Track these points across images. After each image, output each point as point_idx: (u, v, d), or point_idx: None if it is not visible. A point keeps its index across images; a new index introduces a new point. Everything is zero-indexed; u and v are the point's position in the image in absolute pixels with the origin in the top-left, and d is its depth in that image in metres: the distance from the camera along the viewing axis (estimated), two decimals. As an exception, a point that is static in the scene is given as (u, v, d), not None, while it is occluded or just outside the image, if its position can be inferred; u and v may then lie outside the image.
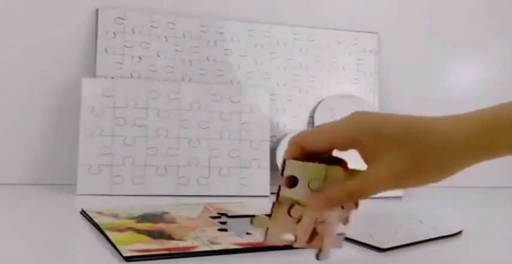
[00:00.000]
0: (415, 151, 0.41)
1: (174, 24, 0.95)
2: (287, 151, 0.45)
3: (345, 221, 0.46)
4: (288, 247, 0.54)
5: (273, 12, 1.02)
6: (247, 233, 0.57)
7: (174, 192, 0.86)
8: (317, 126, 0.46)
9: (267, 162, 0.91)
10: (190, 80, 0.94)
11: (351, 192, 0.43)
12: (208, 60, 0.96)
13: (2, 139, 0.89)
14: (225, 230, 0.58)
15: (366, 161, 0.44)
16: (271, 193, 0.91)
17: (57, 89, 0.91)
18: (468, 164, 0.43)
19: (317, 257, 0.45)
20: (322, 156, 0.46)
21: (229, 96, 0.92)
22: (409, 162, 0.41)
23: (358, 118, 0.44)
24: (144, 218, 0.62)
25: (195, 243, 0.52)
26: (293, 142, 0.45)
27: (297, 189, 0.43)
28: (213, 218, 0.64)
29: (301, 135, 0.45)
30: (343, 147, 0.45)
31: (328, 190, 0.43)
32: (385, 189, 0.42)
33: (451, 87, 1.14)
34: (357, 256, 0.53)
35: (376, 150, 0.42)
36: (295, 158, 0.44)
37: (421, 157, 0.41)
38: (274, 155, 0.93)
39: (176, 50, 0.94)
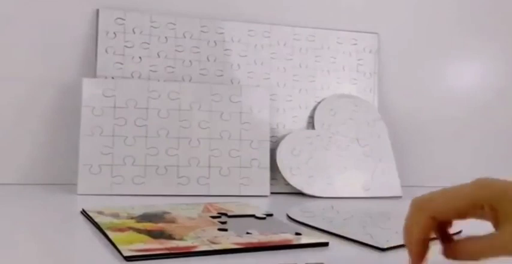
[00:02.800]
0: None
1: (174, 24, 0.95)
2: (419, 224, 0.43)
3: None
4: (288, 246, 0.54)
5: (273, 12, 1.02)
6: (247, 233, 0.57)
7: (174, 192, 0.86)
8: (439, 192, 0.43)
9: (267, 162, 0.91)
10: (190, 80, 0.94)
11: (482, 250, 0.42)
12: (208, 60, 0.96)
13: (2, 139, 0.89)
14: (225, 229, 0.58)
15: (495, 226, 0.42)
16: (271, 193, 0.91)
17: (58, 89, 0.91)
18: None
19: None
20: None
21: (229, 96, 0.92)
22: None
23: (484, 183, 0.42)
24: (144, 217, 0.62)
25: (195, 243, 0.52)
26: (424, 211, 0.43)
27: None
28: (213, 217, 0.64)
29: (432, 203, 0.43)
30: (470, 215, 0.43)
31: (461, 244, 0.43)
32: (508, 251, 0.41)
33: (451, 88, 1.14)
34: (357, 256, 0.53)
35: (507, 213, 0.41)
36: (427, 235, 0.43)
37: None
38: (274, 155, 0.93)
39: (176, 50, 0.95)
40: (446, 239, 0.45)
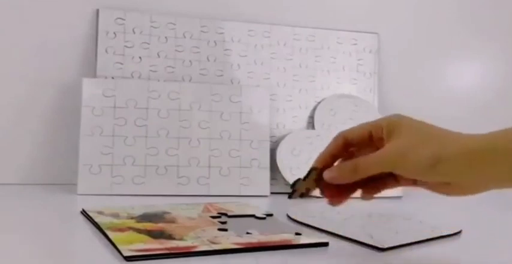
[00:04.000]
0: (417, 138, 0.48)
1: (174, 24, 0.95)
2: (332, 142, 0.53)
3: None
4: (288, 246, 0.54)
5: (273, 12, 1.02)
6: (247, 233, 0.57)
7: (174, 192, 0.86)
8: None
9: (267, 162, 0.91)
10: (190, 80, 0.94)
11: (355, 165, 0.50)
12: (208, 60, 0.96)
13: (2, 139, 0.89)
14: (225, 229, 0.58)
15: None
16: (271, 193, 0.91)
17: (58, 89, 0.91)
18: (461, 177, 0.46)
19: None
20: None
21: (229, 96, 0.92)
22: (408, 145, 0.47)
23: (390, 115, 0.52)
24: (144, 217, 0.62)
25: (195, 243, 0.52)
26: (338, 135, 0.53)
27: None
28: (213, 217, 0.64)
29: (344, 130, 0.54)
30: (378, 136, 0.51)
31: (338, 165, 0.52)
32: (382, 164, 0.49)
33: (451, 88, 1.14)
34: (357, 256, 0.53)
35: (391, 136, 0.49)
36: (337, 147, 0.53)
37: (420, 143, 0.47)
38: (274, 155, 0.93)
39: (176, 50, 0.95)
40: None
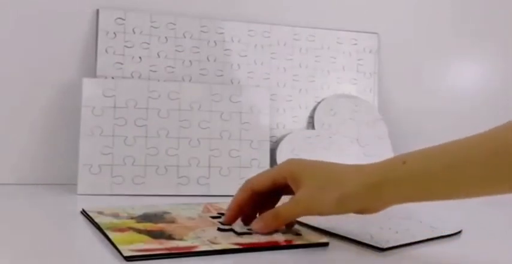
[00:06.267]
0: (322, 182, 0.53)
1: (174, 24, 0.95)
2: (239, 194, 0.59)
3: None
4: (288, 246, 0.54)
5: (273, 12, 1.02)
6: (248, 229, 0.57)
7: (174, 192, 0.86)
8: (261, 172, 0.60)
9: (267, 162, 0.91)
10: (190, 80, 0.94)
11: (276, 215, 0.56)
12: (208, 60, 0.96)
13: (2, 139, 0.89)
14: (225, 230, 0.58)
15: (294, 193, 0.56)
16: (271, 193, 0.91)
17: (57, 89, 0.91)
18: (367, 207, 0.53)
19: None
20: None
21: (229, 96, 0.92)
22: (316, 191, 0.53)
23: (289, 160, 0.58)
24: (144, 217, 0.62)
25: (196, 243, 0.52)
26: (244, 187, 0.59)
27: None
28: (213, 218, 0.64)
29: (250, 181, 0.59)
30: (282, 183, 0.56)
31: (262, 214, 0.57)
32: (300, 211, 0.55)
33: (451, 88, 1.14)
34: (357, 256, 0.53)
35: (299, 182, 0.54)
36: (244, 199, 0.58)
37: (325, 188, 0.53)
38: (274, 155, 0.93)
39: (176, 50, 0.95)
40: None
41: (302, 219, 0.67)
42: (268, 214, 0.56)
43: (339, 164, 0.56)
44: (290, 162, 0.57)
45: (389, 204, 0.53)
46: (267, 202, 0.59)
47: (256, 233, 0.56)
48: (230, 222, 0.59)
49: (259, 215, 0.58)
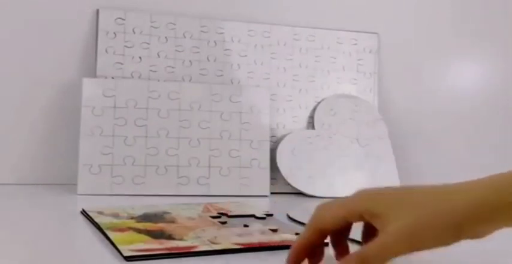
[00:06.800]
0: (421, 213, 0.43)
1: (174, 24, 0.95)
2: (306, 236, 0.47)
3: None
4: (288, 246, 0.54)
5: (273, 12, 1.02)
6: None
7: (174, 192, 0.86)
8: (324, 205, 0.48)
9: (267, 162, 0.91)
10: (190, 80, 0.94)
11: (365, 258, 0.43)
12: (208, 60, 0.96)
13: (2, 139, 0.89)
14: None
15: (380, 230, 0.45)
16: (271, 193, 0.91)
17: (58, 89, 0.91)
18: (485, 230, 0.44)
19: None
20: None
21: (229, 96, 0.92)
22: (417, 223, 0.42)
23: (364, 192, 0.47)
24: (144, 217, 0.62)
25: (196, 243, 0.52)
26: (312, 228, 0.47)
27: None
28: (213, 217, 0.64)
29: (316, 220, 0.47)
30: (356, 222, 0.47)
31: (345, 260, 0.45)
32: (398, 251, 0.43)
33: (451, 87, 1.14)
34: (357, 256, 0.53)
35: (386, 217, 0.44)
36: (311, 242, 0.47)
37: (428, 218, 0.42)
38: (274, 155, 0.93)
39: (176, 50, 0.95)
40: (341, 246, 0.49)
41: (302, 219, 0.67)
42: (352, 259, 0.45)
43: (430, 185, 0.45)
44: (361, 195, 0.47)
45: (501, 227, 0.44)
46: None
47: None
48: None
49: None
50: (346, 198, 0.47)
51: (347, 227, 0.48)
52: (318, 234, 0.47)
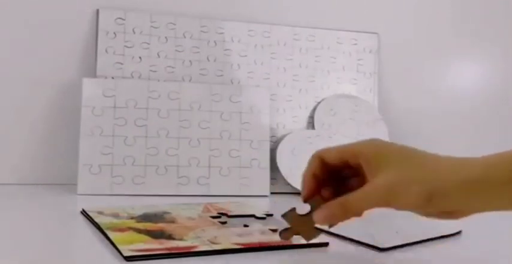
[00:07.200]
0: (407, 170, 0.45)
1: (174, 24, 0.95)
2: (310, 163, 0.50)
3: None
4: (288, 246, 0.54)
5: (273, 12, 1.02)
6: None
7: (174, 192, 0.86)
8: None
9: (267, 162, 0.91)
10: (190, 80, 0.94)
11: (344, 205, 0.47)
12: (208, 60, 0.96)
13: (2, 139, 0.89)
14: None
15: (366, 178, 0.47)
16: (271, 193, 0.91)
17: (57, 89, 0.91)
18: (459, 206, 0.45)
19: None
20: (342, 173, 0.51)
21: (229, 96, 0.92)
22: (399, 179, 0.44)
23: (369, 140, 0.49)
24: (144, 217, 0.62)
25: (195, 243, 0.52)
26: (314, 155, 0.50)
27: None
28: (213, 217, 0.64)
29: (321, 149, 0.50)
30: (353, 162, 0.48)
31: (327, 204, 0.48)
32: (375, 202, 0.46)
33: (451, 87, 1.14)
34: (357, 256, 0.53)
35: (375, 167, 0.46)
36: (317, 168, 0.50)
37: (411, 177, 0.44)
38: (274, 155, 0.93)
39: (176, 50, 0.95)
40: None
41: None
42: (334, 203, 0.47)
43: (428, 152, 0.46)
44: (368, 141, 0.48)
45: (481, 210, 0.45)
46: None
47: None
48: (309, 196, 0.50)
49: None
50: (356, 141, 0.49)
51: (342, 167, 0.49)
52: (319, 162, 0.49)
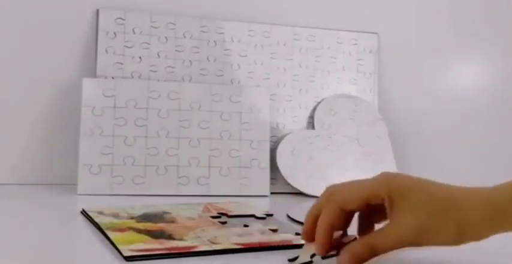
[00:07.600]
0: (436, 208, 0.43)
1: (174, 24, 0.95)
2: (328, 215, 0.46)
3: None
4: (288, 246, 0.54)
5: (273, 12, 1.02)
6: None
7: (174, 192, 0.86)
8: (346, 184, 0.48)
9: (267, 162, 0.91)
10: (190, 80, 0.94)
11: (371, 246, 0.44)
12: (208, 60, 0.96)
13: (2, 139, 0.89)
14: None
15: (389, 218, 0.45)
16: (271, 193, 0.91)
17: (58, 89, 0.91)
18: (488, 234, 0.44)
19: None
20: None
21: (229, 96, 0.92)
22: (428, 218, 0.43)
23: (385, 177, 0.46)
24: (144, 217, 0.62)
25: (195, 243, 0.52)
26: (333, 206, 0.47)
27: None
28: (213, 217, 0.64)
29: (338, 197, 0.47)
30: (374, 203, 0.46)
31: (351, 245, 0.45)
32: (404, 243, 0.44)
33: (451, 87, 1.14)
34: (357, 256, 0.53)
35: (400, 207, 0.44)
36: (336, 222, 0.47)
37: (441, 215, 0.43)
38: (274, 155, 0.93)
39: (176, 50, 0.95)
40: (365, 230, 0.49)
41: (302, 219, 0.67)
42: (359, 245, 0.45)
43: (449, 185, 0.45)
44: (386, 178, 0.46)
45: (501, 231, 0.43)
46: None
47: None
48: (326, 252, 0.47)
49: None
50: (366, 180, 0.47)
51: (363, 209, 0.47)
52: (339, 213, 0.46)
